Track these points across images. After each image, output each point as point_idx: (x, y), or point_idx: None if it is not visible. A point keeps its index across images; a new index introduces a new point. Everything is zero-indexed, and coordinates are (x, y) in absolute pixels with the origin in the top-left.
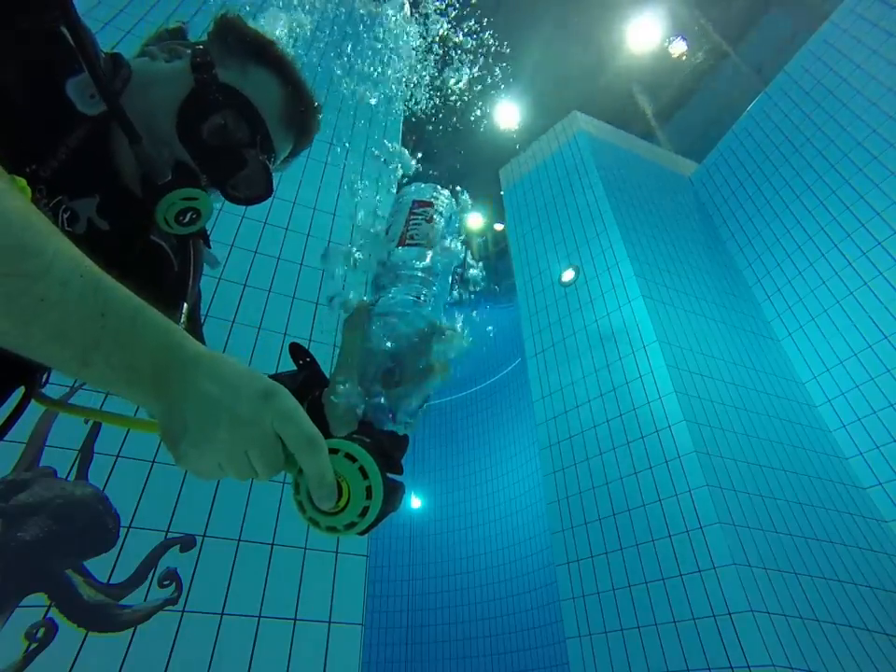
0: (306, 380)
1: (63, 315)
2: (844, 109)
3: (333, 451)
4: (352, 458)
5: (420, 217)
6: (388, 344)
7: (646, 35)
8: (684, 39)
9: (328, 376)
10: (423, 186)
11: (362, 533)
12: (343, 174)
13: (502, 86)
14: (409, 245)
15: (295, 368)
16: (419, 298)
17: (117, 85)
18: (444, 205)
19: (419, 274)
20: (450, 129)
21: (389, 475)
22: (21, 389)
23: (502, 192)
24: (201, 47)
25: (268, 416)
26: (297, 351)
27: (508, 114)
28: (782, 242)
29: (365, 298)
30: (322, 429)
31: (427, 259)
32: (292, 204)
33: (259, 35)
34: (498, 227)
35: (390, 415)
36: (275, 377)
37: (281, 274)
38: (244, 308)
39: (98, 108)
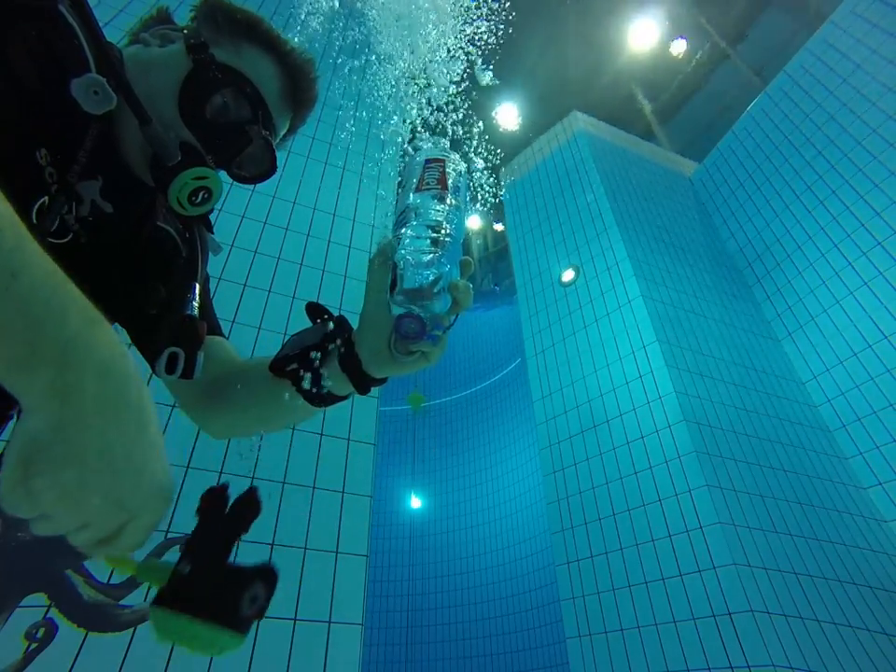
0: (338, 325)
1: None
2: (844, 109)
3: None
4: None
5: (433, 170)
6: (411, 273)
7: (646, 36)
8: (684, 39)
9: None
10: (433, 147)
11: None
12: (343, 174)
13: (500, 84)
14: (424, 190)
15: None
16: (438, 233)
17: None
18: (455, 162)
19: (437, 216)
20: (448, 132)
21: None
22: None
23: (502, 192)
24: (192, 29)
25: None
26: (315, 309)
27: (507, 114)
28: (782, 242)
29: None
30: (380, 345)
31: (444, 202)
32: (292, 204)
33: (247, 14)
34: (498, 227)
35: (424, 327)
36: (301, 332)
37: (281, 274)
38: (244, 308)
39: (102, 108)
